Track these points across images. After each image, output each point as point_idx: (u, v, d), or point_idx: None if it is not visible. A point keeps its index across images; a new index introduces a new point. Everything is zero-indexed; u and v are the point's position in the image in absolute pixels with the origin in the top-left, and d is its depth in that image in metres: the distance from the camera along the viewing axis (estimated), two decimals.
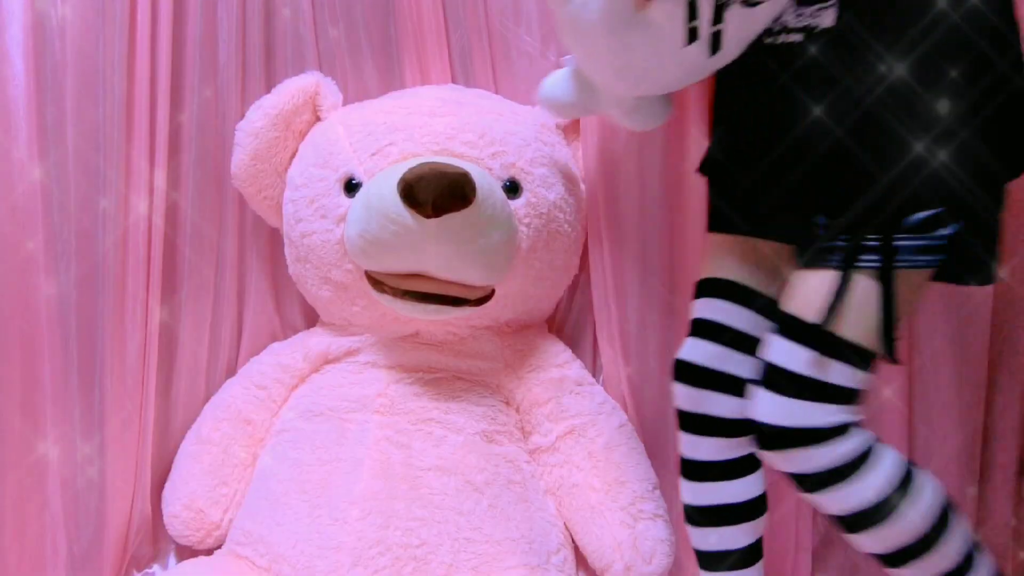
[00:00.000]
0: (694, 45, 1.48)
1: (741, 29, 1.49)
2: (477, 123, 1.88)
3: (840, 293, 1.39)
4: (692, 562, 1.76)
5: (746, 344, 1.60)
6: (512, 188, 1.87)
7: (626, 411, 2.01)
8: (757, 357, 1.53)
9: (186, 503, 1.94)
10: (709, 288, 1.66)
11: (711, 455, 1.64)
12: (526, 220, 1.86)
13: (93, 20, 1.89)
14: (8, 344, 1.88)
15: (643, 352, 1.99)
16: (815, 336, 1.41)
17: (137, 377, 1.95)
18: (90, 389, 1.91)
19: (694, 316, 1.66)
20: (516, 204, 1.86)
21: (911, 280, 1.42)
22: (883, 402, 1.91)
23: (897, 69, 1.39)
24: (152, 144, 1.94)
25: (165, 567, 2.00)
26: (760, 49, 1.52)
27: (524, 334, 1.99)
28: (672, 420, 1.86)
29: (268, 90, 1.99)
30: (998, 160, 1.42)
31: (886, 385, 1.91)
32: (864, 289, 1.40)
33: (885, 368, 1.87)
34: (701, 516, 1.68)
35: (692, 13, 1.45)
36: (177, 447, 2.02)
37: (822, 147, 1.43)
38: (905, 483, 1.44)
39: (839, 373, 1.41)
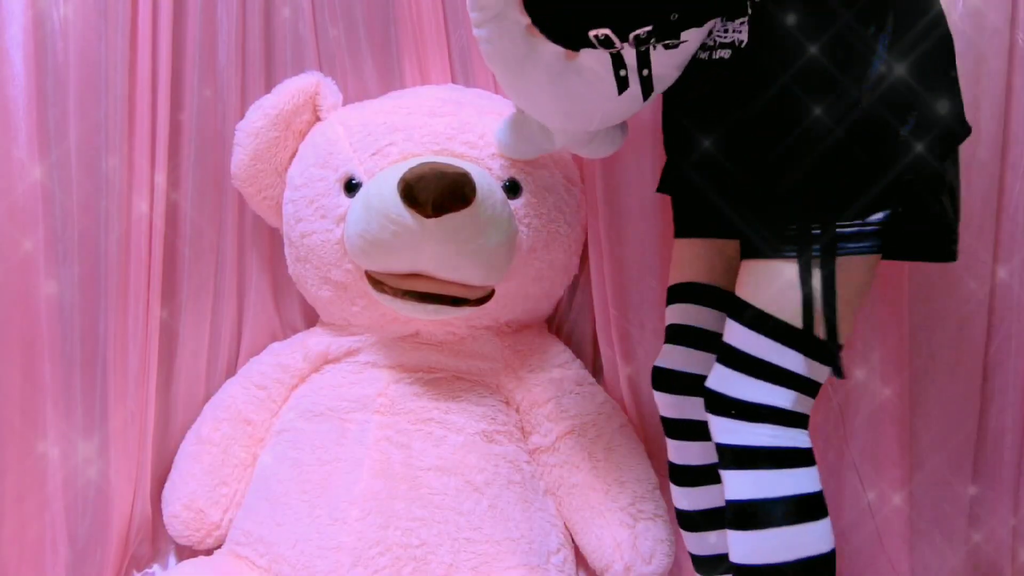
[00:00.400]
0: (628, 91, 1.49)
1: (670, 65, 1.50)
2: (477, 123, 1.88)
3: (808, 297, 1.41)
4: (691, 563, 1.76)
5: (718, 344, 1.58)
6: (512, 188, 1.87)
7: (626, 411, 2.01)
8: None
9: (186, 503, 1.94)
10: (679, 293, 1.68)
11: (699, 459, 1.65)
12: (526, 220, 1.87)
13: (95, 20, 1.89)
14: (8, 344, 1.88)
15: (643, 352, 1.99)
16: (789, 335, 1.42)
17: (138, 377, 1.95)
18: (91, 389, 1.91)
19: (667, 323, 1.69)
20: (516, 204, 1.86)
21: (855, 266, 1.43)
22: (883, 402, 1.91)
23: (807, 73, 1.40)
24: (153, 144, 1.95)
25: (165, 567, 2.01)
26: (697, 65, 1.53)
27: (524, 334, 2.00)
28: None
29: (268, 90, 2.00)
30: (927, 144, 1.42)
31: (886, 385, 1.91)
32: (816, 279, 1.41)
33: (885, 368, 1.89)
34: (696, 520, 1.68)
35: (618, 63, 1.46)
36: (177, 447, 2.02)
37: (762, 154, 1.44)
38: (807, 510, 1.41)
39: (792, 359, 1.42)
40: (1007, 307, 1.93)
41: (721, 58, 1.49)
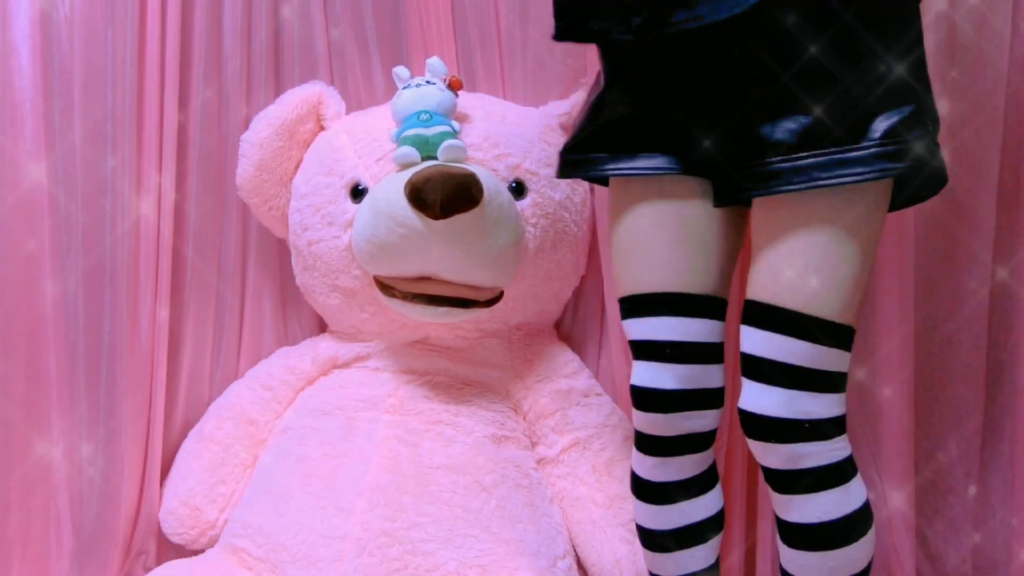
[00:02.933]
0: None
1: None
2: (481, 125, 1.88)
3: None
4: None
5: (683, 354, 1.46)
6: (518, 189, 1.87)
7: (623, 407, 2.00)
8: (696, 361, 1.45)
9: (183, 499, 1.94)
10: (638, 306, 1.49)
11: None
12: (533, 220, 1.87)
13: (102, 12, 1.89)
14: (13, 342, 1.89)
15: None
16: (817, 330, 1.32)
17: (143, 377, 1.95)
18: (95, 388, 1.91)
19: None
20: (522, 205, 1.86)
21: (874, 198, 1.34)
22: (883, 402, 1.92)
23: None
24: (160, 142, 1.94)
25: None
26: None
27: (533, 342, 2.00)
28: None
29: (274, 92, 2.00)
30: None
31: (886, 385, 1.91)
32: (837, 255, 1.32)
33: (885, 368, 1.90)
34: (667, 540, 1.55)
35: None
36: (178, 447, 2.02)
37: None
38: (867, 515, 1.40)
39: (837, 360, 1.34)
40: (1007, 307, 1.94)
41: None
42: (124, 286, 1.92)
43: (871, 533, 1.40)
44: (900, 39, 1.32)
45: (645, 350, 1.46)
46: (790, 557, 1.41)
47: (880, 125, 1.28)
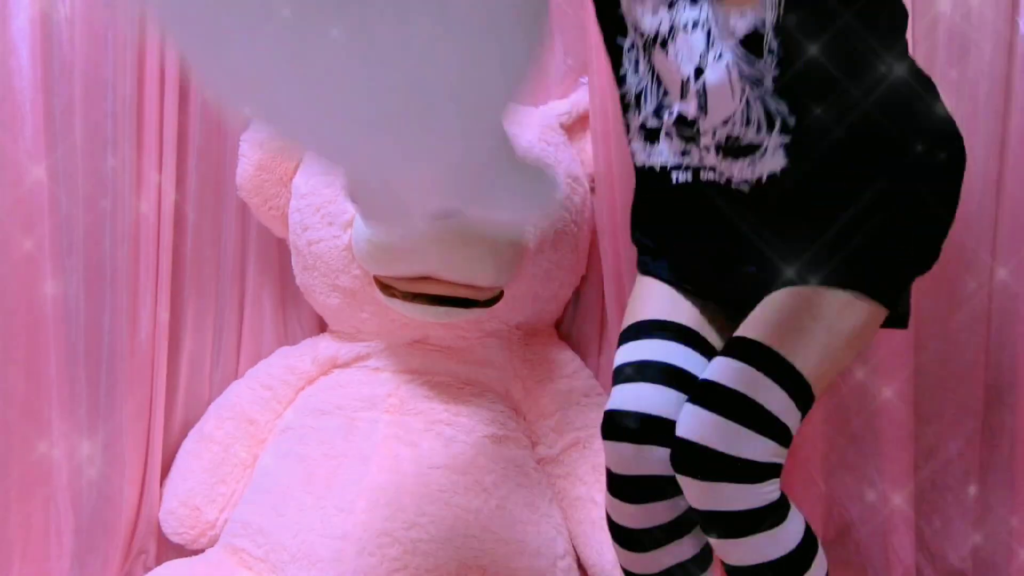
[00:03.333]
0: None
1: None
2: None
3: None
4: None
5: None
6: None
7: None
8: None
9: (183, 499, 1.94)
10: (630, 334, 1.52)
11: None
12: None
13: (102, 13, 1.89)
14: (13, 343, 1.88)
15: None
16: (778, 367, 1.32)
17: (143, 377, 1.95)
18: (95, 388, 1.91)
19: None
20: None
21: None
22: (883, 402, 1.92)
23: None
24: (160, 142, 1.94)
25: None
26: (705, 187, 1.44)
27: (533, 342, 2.00)
28: None
29: None
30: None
31: (886, 385, 1.91)
32: (826, 316, 1.36)
33: (885, 368, 1.90)
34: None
35: None
36: (178, 447, 2.02)
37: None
38: (810, 550, 1.38)
39: (778, 402, 1.31)
40: (1007, 307, 1.94)
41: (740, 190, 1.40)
42: (124, 286, 1.92)
43: (819, 560, 1.38)
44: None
45: (630, 371, 1.45)
46: None
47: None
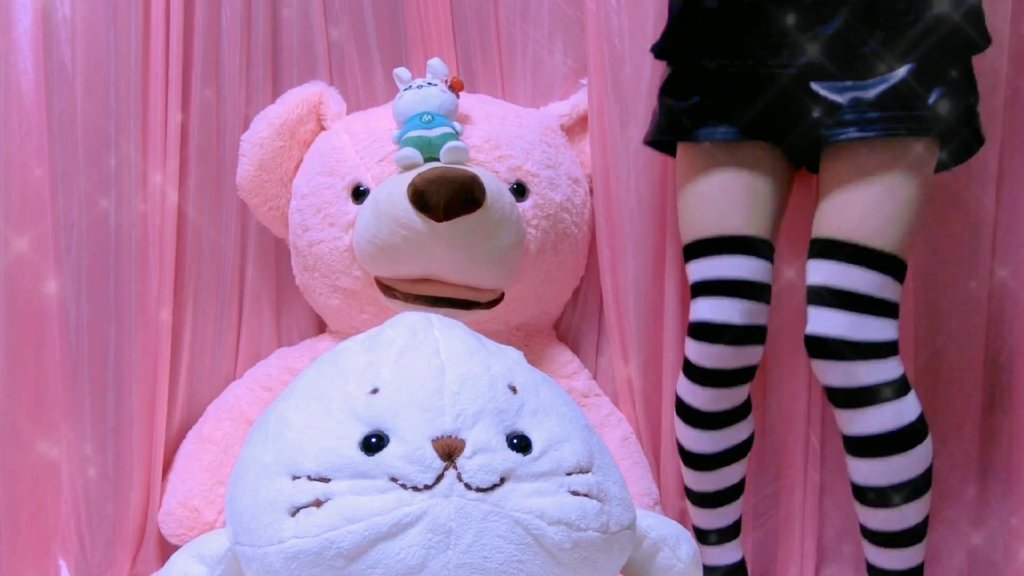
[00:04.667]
0: None
1: None
2: (482, 127, 1.88)
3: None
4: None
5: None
6: (519, 190, 1.87)
7: (621, 407, 2.02)
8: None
9: (182, 500, 1.93)
10: (705, 248, 1.69)
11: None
12: (534, 222, 1.87)
13: (103, 12, 1.89)
14: (15, 343, 1.88)
15: (644, 352, 1.98)
16: (878, 260, 1.55)
17: (145, 377, 1.94)
18: (97, 388, 1.92)
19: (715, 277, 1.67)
20: (523, 206, 1.86)
21: (925, 148, 1.58)
22: None
23: None
24: (162, 142, 1.94)
25: None
26: None
27: (533, 343, 1.99)
28: (672, 421, 1.87)
29: (274, 92, 1.99)
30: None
31: None
32: (902, 194, 1.56)
33: None
34: (715, 460, 1.77)
35: None
36: (177, 448, 2.01)
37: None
38: (923, 427, 1.60)
39: (893, 290, 1.57)
40: (1007, 307, 1.95)
41: None
42: (125, 286, 1.92)
43: (927, 443, 1.60)
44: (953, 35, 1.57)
45: (712, 288, 1.67)
46: (854, 466, 1.63)
47: (935, 94, 1.55)
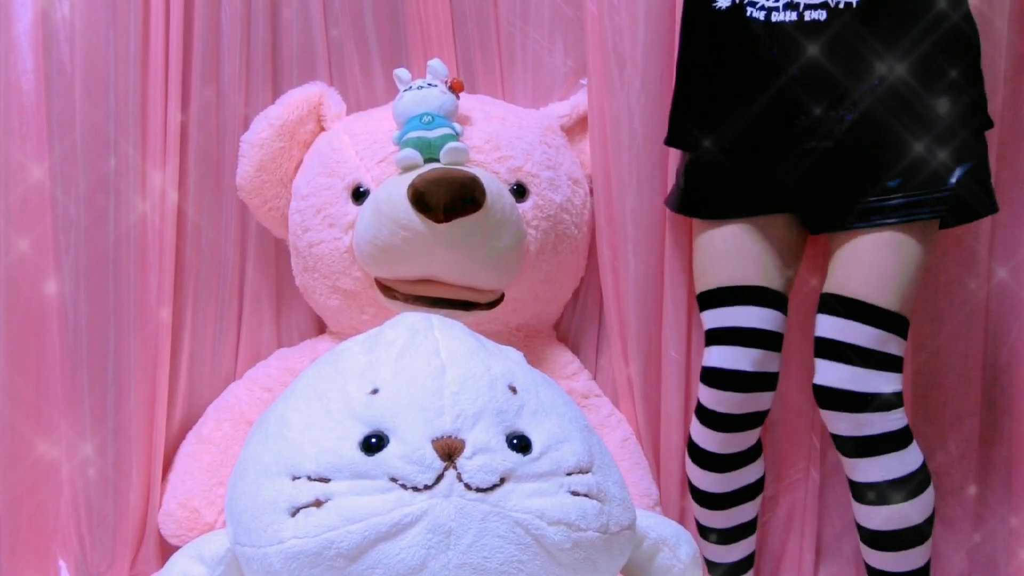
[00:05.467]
0: None
1: None
2: (482, 128, 1.88)
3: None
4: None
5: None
6: (519, 191, 1.87)
7: (621, 407, 2.01)
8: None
9: (181, 501, 1.93)
10: (722, 297, 1.75)
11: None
12: (534, 223, 1.87)
13: (103, 13, 1.88)
14: (15, 343, 1.89)
15: (643, 352, 1.98)
16: (882, 318, 1.63)
17: (145, 377, 1.94)
18: (97, 388, 1.91)
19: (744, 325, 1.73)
20: (523, 207, 1.86)
21: (929, 231, 1.67)
22: None
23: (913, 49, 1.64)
24: (162, 142, 1.93)
25: None
26: (770, 29, 1.66)
27: (533, 343, 1.99)
28: (672, 421, 1.87)
29: (273, 92, 1.99)
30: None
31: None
32: (907, 256, 1.64)
33: None
34: (726, 500, 1.83)
35: None
36: (176, 448, 2.01)
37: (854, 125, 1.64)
38: (925, 476, 1.68)
39: (897, 345, 1.64)
40: (1007, 307, 1.95)
41: (815, 20, 1.63)
42: (124, 286, 1.92)
43: (929, 491, 1.68)
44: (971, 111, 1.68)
45: (725, 336, 1.73)
46: (862, 513, 1.71)
47: (954, 175, 1.64)
